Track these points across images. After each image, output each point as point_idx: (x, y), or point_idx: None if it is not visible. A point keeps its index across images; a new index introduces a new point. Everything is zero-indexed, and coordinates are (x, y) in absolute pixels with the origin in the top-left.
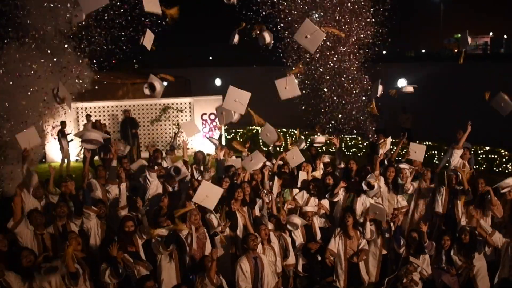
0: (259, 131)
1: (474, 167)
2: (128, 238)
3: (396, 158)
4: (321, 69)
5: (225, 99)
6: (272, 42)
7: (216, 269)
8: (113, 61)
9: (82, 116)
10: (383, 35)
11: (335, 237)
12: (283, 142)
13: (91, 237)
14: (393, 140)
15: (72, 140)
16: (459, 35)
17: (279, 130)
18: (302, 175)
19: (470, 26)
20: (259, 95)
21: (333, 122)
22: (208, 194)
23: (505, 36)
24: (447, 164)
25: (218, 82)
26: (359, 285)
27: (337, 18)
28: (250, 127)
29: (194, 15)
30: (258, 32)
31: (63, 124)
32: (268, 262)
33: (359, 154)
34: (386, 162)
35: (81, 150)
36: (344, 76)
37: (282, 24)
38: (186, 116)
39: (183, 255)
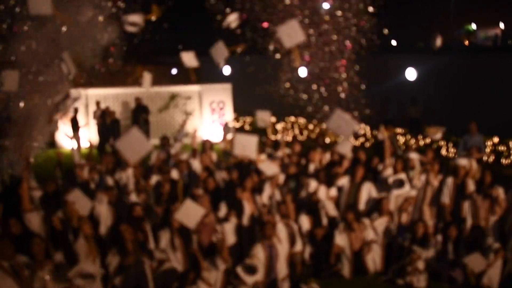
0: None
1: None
2: (138, 224)
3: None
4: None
5: (235, 147)
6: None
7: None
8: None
9: (92, 103)
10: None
11: (339, 232)
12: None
13: (102, 223)
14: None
15: (84, 125)
16: (470, 27)
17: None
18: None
19: (481, 18)
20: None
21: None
22: (190, 213)
23: None
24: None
25: (226, 70)
26: (364, 274)
27: None
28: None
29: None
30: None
31: (75, 110)
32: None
33: (366, 145)
34: (398, 153)
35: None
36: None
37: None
38: (194, 104)
39: (190, 242)
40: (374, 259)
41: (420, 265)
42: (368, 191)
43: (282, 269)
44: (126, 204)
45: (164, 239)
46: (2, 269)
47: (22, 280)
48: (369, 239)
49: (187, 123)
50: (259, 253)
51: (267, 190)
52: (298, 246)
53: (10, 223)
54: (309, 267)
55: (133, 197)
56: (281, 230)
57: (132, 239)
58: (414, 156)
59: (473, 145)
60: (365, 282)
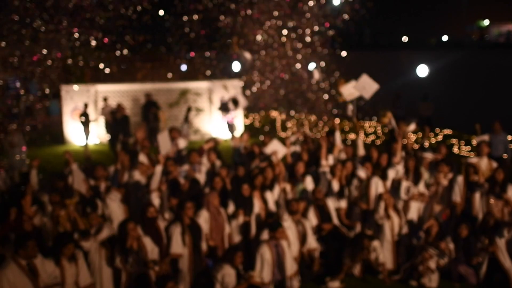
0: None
1: None
2: (151, 224)
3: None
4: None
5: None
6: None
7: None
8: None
9: (101, 99)
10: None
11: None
12: None
13: (114, 221)
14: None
15: (95, 120)
16: (482, 23)
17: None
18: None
19: (494, 14)
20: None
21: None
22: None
23: None
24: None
25: (236, 66)
26: (376, 273)
27: None
28: (267, 113)
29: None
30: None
31: (85, 106)
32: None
33: (377, 142)
34: (406, 151)
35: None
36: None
37: None
38: (204, 100)
39: (199, 241)
40: (385, 255)
41: (432, 264)
42: (375, 186)
43: (290, 267)
44: (140, 204)
45: (175, 234)
46: (20, 268)
47: (37, 279)
48: (373, 259)
49: (191, 115)
50: (265, 253)
51: (277, 187)
52: (312, 244)
53: (23, 220)
54: (320, 266)
55: (155, 196)
56: (291, 228)
57: (137, 237)
58: (428, 155)
59: (497, 144)
60: (377, 281)
